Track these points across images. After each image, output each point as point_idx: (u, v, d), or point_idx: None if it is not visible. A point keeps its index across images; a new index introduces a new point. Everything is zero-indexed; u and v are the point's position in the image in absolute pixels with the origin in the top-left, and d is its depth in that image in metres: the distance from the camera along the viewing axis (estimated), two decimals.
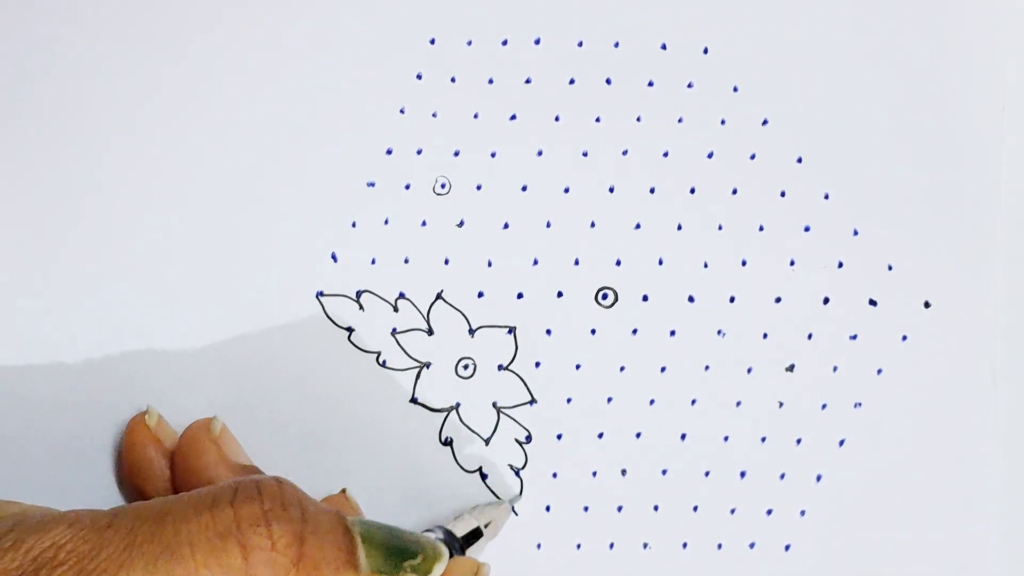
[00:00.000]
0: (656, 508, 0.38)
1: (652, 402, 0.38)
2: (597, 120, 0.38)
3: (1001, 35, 0.39)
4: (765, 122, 0.38)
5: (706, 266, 0.38)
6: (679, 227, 0.38)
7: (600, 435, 0.38)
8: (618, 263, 0.38)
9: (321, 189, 0.38)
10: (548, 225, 0.38)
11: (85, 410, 0.37)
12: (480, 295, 0.38)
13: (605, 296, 0.38)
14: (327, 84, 0.38)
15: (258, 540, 0.29)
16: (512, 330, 0.38)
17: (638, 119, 0.38)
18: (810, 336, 0.38)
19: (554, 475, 0.38)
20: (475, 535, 0.36)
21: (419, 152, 0.38)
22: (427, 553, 0.31)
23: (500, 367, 0.38)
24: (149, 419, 0.36)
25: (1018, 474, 0.38)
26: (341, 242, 0.38)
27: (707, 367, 0.38)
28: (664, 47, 0.39)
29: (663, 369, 0.38)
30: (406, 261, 0.38)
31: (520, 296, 0.38)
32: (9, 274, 0.37)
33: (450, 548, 0.33)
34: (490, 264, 0.38)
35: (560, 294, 0.38)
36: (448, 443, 0.38)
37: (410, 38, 0.38)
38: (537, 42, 0.38)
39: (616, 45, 0.38)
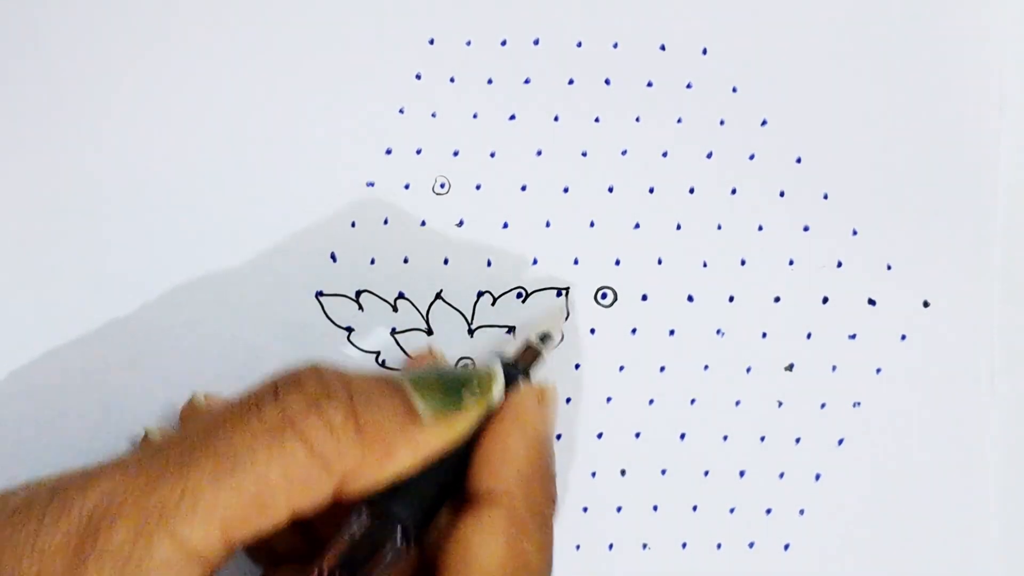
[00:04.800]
0: (655, 508, 0.38)
1: (651, 402, 0.38)
2: (596, 120, 0.38)
3: (999, 35, 0.39)
4: (764, 122, 0.39)
5: (705, 266, 0.38)
6: (678, 227, 0.38)
7: (599, 435, 0.38)
8: (617, 263, 0.38)
9: (321, 189, 0.38)
10: (547, 225, 0.38)
11: (85, 411, 0.37)
12: (480, 295, 0.38)
13: (604, 296, 0.38)
14: (327, 84, 0.38)
15: (313, 422, 0.28)
16: (512, 330, 0.38)
17: (637, 119, 0.38)
18: (809, 335, 0.38)
19: None
20: (535, 355, 0.35)
21: (418, 152, 0.38)
22: (481, 376, 0.31)
23: None
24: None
25: (1016, 473, 0.38)
26: (340, 242, 0.38)
27: (706, 367, 0.38)
28: (663, 48, 0.39)
29: (662, 369, 0.38)
30: (405, 261, 0.38)
31: (519, 296, 0.38)
32: (8, 274, 0.37)
33: (513, 375, 0.33)
34: (490, 264, 0.38)
35: (559, 293, 0.38)
36: None
37: (409, 38, 0.38)
38: (536, 42, 0.38)
39: (615, 46, 0.39)
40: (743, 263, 0.38)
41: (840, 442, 0.38)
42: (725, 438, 0.38)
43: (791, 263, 0.38)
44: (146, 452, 0.28)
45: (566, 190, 0.38)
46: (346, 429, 0.28)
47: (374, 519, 0.30)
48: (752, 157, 0.39)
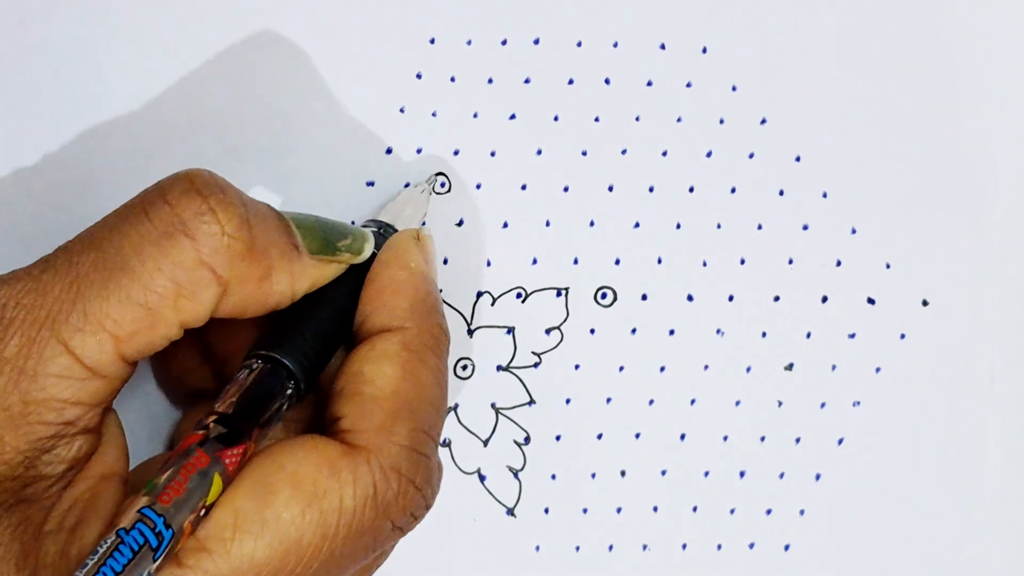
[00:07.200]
0: (655, 509, 0.38)
1: (651, 402, 0.38)
2: (596, 120, 0.38)
3: (1000, 35, 0.39)
4: (764, 121, 0.39)
5: (705, 265, 0.38)
6: (678, 226, 0.38)
7: (599, 436, 0.38)
8: (617, 262, 0.38)
9: (320, 188, 0.38)
10: (547, 224, 0.38)
11: None
12: (479, 295, 0.38)
13: (604, 295, 0.38)
14: (327, 83, 0.38)
15: (207, 228, 0.28)
16: (511, 330, 0.38)
17: (637, 118, 0.38)
18: (809, 335, 0.38)
19: (553, 476, 0.38)
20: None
21: (419, 151, 0.38)
22: (355, 234, 0.32)
23: (499, 368, 0.38)
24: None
25: (1016, 472, 0.38)
26: None
27: (706, 366, 0.38)
28: (663, 47, 0.39)
29: (662, 369, 0.38)
30: None
31: (519, 296, 0.38)
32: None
33: (385, 234, 0.34)
34: (489, 264, 0.38)
35: (559, 293, 0.38)
36: (446, 444, 0.38)
37: (410, 38, 0.38)
38: (536, 42, 0.39)
39: (615, 45, 0.39)
40: (743, 262, 0.38)
41: (840, 442, 0.38)
42: (725, 438, 0.38)
43: (791, 262, 0.38)
44: (35, 264, 0.28)
45: (566, 190, 0.38)
46: (237, 239, 0.28)
47: (265, 369, 0.30)
48: (752, 156, 0.39)
